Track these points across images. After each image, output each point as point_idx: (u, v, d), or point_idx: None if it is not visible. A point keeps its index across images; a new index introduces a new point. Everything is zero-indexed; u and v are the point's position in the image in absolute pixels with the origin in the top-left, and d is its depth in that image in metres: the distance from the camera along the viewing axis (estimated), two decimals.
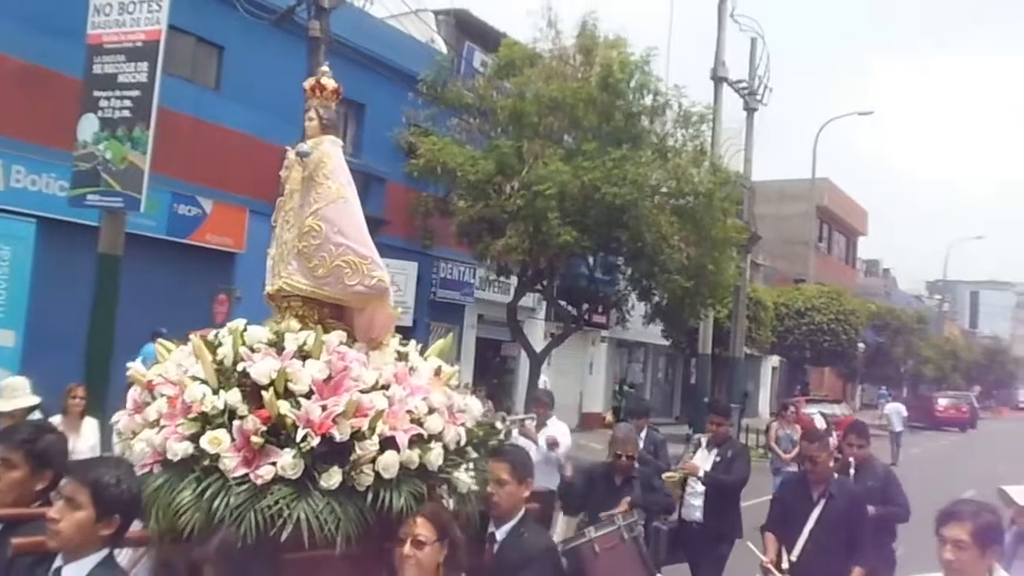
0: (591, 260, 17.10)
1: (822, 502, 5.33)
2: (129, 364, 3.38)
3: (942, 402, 42.62)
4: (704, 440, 7.24)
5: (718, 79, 20.86)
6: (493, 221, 14.62)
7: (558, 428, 7.78)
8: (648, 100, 15.47)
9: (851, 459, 6.44)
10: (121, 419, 3.30)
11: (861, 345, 33.95)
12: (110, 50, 10.17)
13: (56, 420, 7.29)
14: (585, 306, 18.48)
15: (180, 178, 13.96)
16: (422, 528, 3.00)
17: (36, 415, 6.20)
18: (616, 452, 6.17)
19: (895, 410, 25.35)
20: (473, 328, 21.71)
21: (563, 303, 17.92)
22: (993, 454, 24.63)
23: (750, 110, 22.77)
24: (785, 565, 5.29)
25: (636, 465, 6.17)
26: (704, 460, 6.98)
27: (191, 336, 3.35)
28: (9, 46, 12.29)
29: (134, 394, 3.31)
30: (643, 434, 7.79)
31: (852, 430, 6.76)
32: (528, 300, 19.26)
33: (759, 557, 5.41)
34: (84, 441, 7.11)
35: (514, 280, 17.57)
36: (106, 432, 5.57)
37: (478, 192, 14.50)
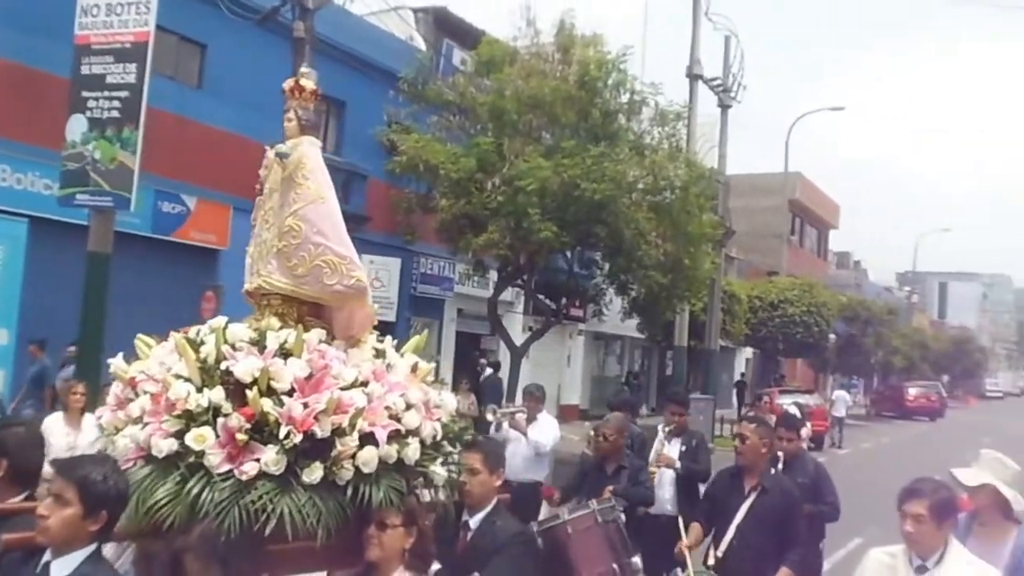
0: (569, 255, 17.40)
1: (752, 496, 5.08)
2: (111, 361, 3.41)
3: (912, 392, 43.47)
4: (664, 431, 7.29)
5: (693, 77, 21.19)
6: (474, 217, 14.83)
7: (548, 422, 8.01)
8: (625, 98, 15.74)
9: (779, 453, 6.01)
10: (104, 415, 3.34)
11: (832, 336, 34.54)
12: (98, 51, 10.24)
13: (58, 416, 7.49)
14: (563, 300, 18.79)
15: (164, 176, 14.06)
16: (389, 513, 3.14)
17: None
18: (597, 433, 6.46)
19: (841, 397, 27.82)
20: (453, 322, 21.98)
21: (542, 297, 18.21)
22: (962, 442, 25.37)
23: (724, 107, 23.15)
24: (711, 561, 5.11)
25: (628, 453, 6.42)
26: (669, 451, 7.05)
27: (173, 334, 3.39)
28: None
29: (116, 390, 3.34)
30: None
31: (781, 423, 6.40)
32: (507, 294, 19.53)
33: (681, 540, 5.28)
34: (85, 437, 7.25)
35: (494, 275, 17.83)
36: None
37: (460, 189, 14.70)
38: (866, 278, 65.56)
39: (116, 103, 10.14)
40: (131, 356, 3.38)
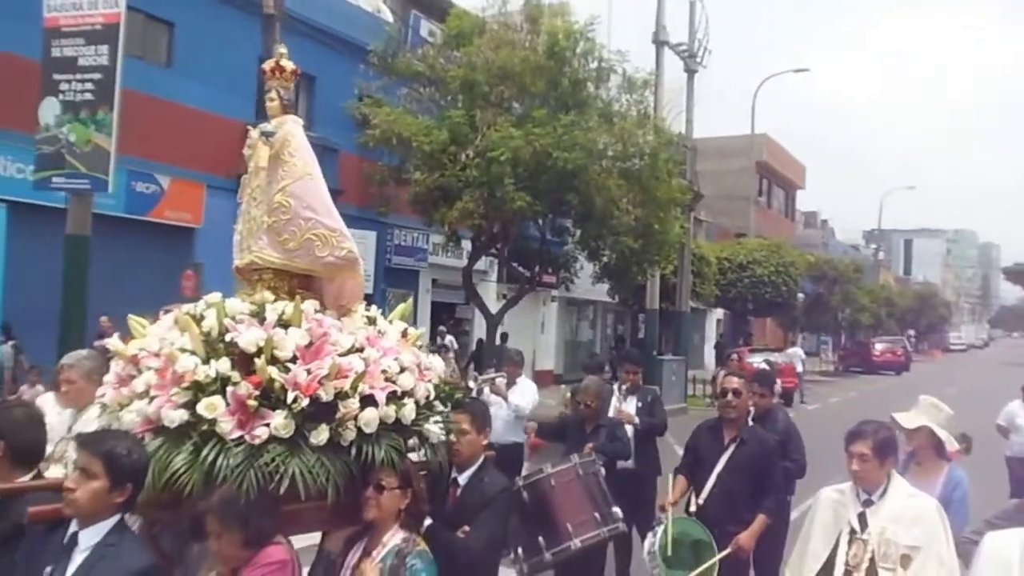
0: (541, 223, 17.65)
1: (732, 447, 5.32)
2: (108, 342, 3.48)
3: (878, 347, 44.31)
4: (621, 389, 7.54)
5: (659, 43, 21.35)
6: (448, 189, 15.02)
7: (527, 386, 8.30)
8: (593, 67, 15.92)
9: (751, 408, 6.03)
10: (106, 393, 3.40)
11: (800, 295, 35.15)
12: (68, 33, 10.23)
13: (48, 397, 7.64)
14: (536, 267, 19.06)
15: (136, 156, 14.05)
16: (386, 475, 3.30)
17: None
18: (577, 400, 6.73)
19: (795, 353, 28.01)
20: (428, 292, 22.19)
21: (515, 265, 18.46)
22: (926, 394, 26.16)
23: (690, 72, 23.37)
24: (692, 508, 5.33)
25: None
26: (627, 407, 7.31)
27: (169, 310, 3.53)
28: None
29: (117, 368, 3.42)
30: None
31: (756, 379, 6.47)
32: (480, 263, 19.77)
33: (666, 495, 5.51)
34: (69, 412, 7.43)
35: (467, 245, 18.04)
36: None
37: (433, 161, 14.86)
38: (833, 237, 66.42)
39: (89, 85, 10.15)
40: (117, 335, 3.48)
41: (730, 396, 5.44)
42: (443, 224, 15.84)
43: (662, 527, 5.27)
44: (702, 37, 23.28)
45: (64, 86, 10.22)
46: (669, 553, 5.10)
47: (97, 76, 10.15)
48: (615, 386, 7.71)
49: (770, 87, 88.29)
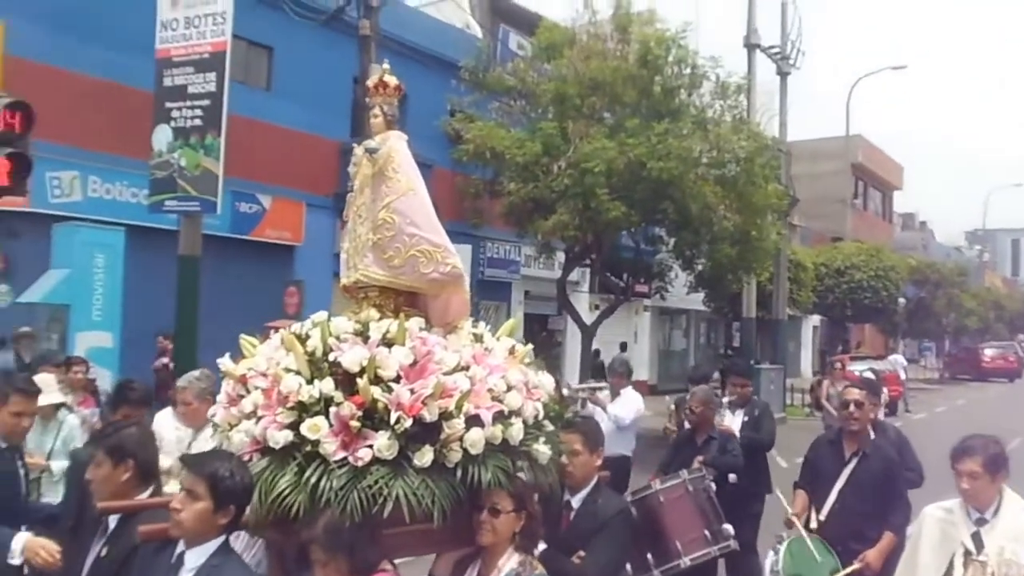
0: (634, 232, 17.51)
1: (854, 461, 5.12)
2: (219, 361, 3.48)
3: (988, 353, 42.45)
4: (727, 402, 7.36)
5: (751, 46, 20.96)
6: (541, 201, 15.02)
7: (631, 397, 8.22)
8: (687, 73, 15.75)
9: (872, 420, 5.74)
10: (217, 412, 3.41)
11: (902, 300, 34.00)
12: (179, 63, 10.72)
13: (167, 414, 7.93)
14: (628, 277, 18.94)
15: (239, 177, 14.52)
16: (500, 499, 3.20)
17: (64, 413, 6.47)
18: (684, 410, 6.62)
19: (897, 361, 27.12)
20: (520, 304, 22.25)
21: (608, 275, 18.38)
22: None
23: (783, 74, 22.88)
24: (813, 524, 5.12)
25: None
26: (732, 421, 7.09)
27: (274, 328, 3.54)
28: (83, 65, 12.92)
29: (227, 388, 3.40)
30: None
31: (864, 388, 6.23)
32: (572, 274, 19.73)
33: (786, 509, 5.31)
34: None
35: (560, 256, 18.04)
36: None
37: (527, 173, 14.89)
38: (933, 239, 64.00)
39: (198, 111, 10.61)
40: (227, 353, 3.52)
41: (852, 408, 5.21)
42: (537, 235, 15.86)
43: (784, 545, 5.13)
44: (795, 38, 22.78)
45: (175, 113, 10.69)
46: (792, 572, 4.93)
47: (205, 102, 10.59)
48: (723, 399, 7.57)
49: (866, 84, 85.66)
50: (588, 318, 18.54)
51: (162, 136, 10.74)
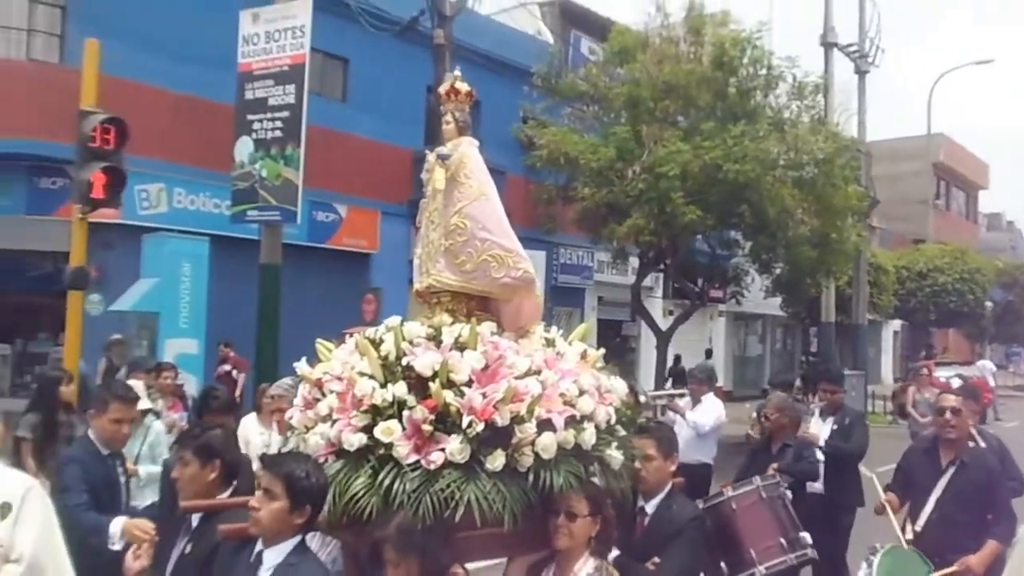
0: (710, 236, 17.28)
1: (951, 470, 4.92)
2: (296, 365, 3.54)
3: None
4: (817, 409, 7.14)
5: (828, 45, 20.49)
6: (616, 205, 14.95)
7: (712, 404, 8.06)
8: (762, 74, 15.50)
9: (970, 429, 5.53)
10: (294, 415, 3.46)
11: (989, 304, 32.82)
12: (259, 76, 10.98)
13: (252, 418, 8.10)
14: (703, 282, 18.70)
15: (316, 186, 14.81)
16: (577, 503, 3.18)
17: (151, 418, 6.63)
18: (759, 414, 6.49)
19: (986, 366, 26.21)
20: (594, 310, 22.17)
21: (683, 280, 18.19)
22: None
23: (862, 73, 22.31)
24: (909, 535, 4.96)
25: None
26: (820, 429, 6.84)
27: (350, 334, 3.56)
28: (167, 80, 13.38)
29: (304, 391, 3.46)
30: None
31: (963, 395, 6.01)
32: (646, 279, 19.57)
33: (878, 493, 5.16)
34: (276, 435, 7.84)
35: (633, 261, 17.89)
36: None
37: (601, 178, 14.84)
38: (1022, 239, 61.58)
39: (278, 123, 10.85)
40: (305, 359, 3.57)
41: (948, 415, 5.00)
42: (611, 240, 15.77)
43: (878, 557, 4.96)
44: (873, 35, 22.18)
45: (256, 125, 10.94)
46: None
47: (285, 114, 10.82)
48: (812, 406, 7.38)
49: (948, 80, 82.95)
50: (662, 324, 18.37)
51: (244, 148, 11.01)
